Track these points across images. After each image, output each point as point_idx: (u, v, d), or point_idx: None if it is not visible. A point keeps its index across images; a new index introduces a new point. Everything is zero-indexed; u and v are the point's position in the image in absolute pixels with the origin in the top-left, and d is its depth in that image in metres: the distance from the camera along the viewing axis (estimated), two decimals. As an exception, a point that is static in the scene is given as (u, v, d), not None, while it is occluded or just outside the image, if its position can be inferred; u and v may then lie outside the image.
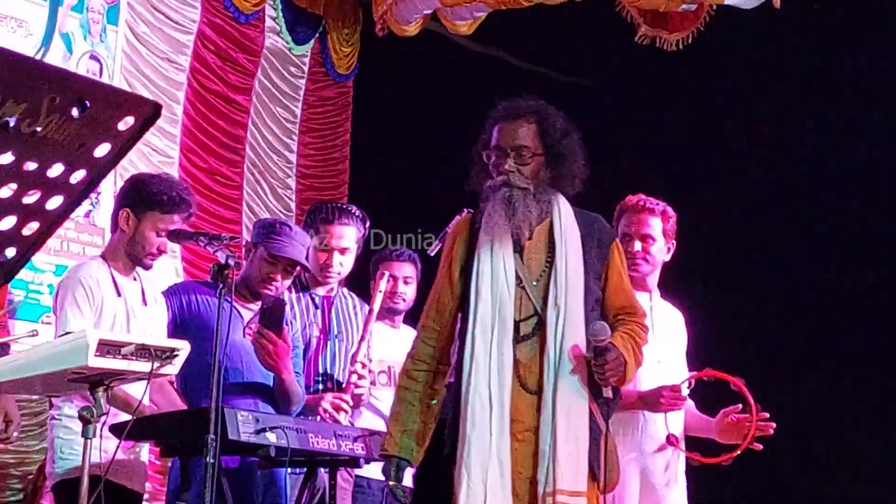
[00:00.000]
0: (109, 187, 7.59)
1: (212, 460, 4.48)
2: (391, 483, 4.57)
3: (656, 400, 5.18)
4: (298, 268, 5.43)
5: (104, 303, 4.99)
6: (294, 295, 5.62)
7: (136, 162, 7.83)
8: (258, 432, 4.75)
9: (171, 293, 5.40)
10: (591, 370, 4.39)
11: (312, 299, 5.67)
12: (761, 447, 5.31)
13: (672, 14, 8.22)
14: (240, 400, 5.14)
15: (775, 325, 8.72)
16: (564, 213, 4.58)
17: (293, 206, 9.65)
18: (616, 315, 4.61)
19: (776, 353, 8.39)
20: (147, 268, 5.17)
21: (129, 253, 5.11)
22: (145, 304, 5.16)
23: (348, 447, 5.05)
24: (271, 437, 4.78)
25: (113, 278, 5.07)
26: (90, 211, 7.44)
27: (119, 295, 5.06)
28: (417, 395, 4.63)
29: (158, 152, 8.24)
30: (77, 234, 7.13)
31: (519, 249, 4.54)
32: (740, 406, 5.29)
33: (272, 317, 5.22)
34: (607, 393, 4.41)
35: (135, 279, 5.17)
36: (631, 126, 9.23)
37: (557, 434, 4.36)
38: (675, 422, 5.32)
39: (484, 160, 4.60)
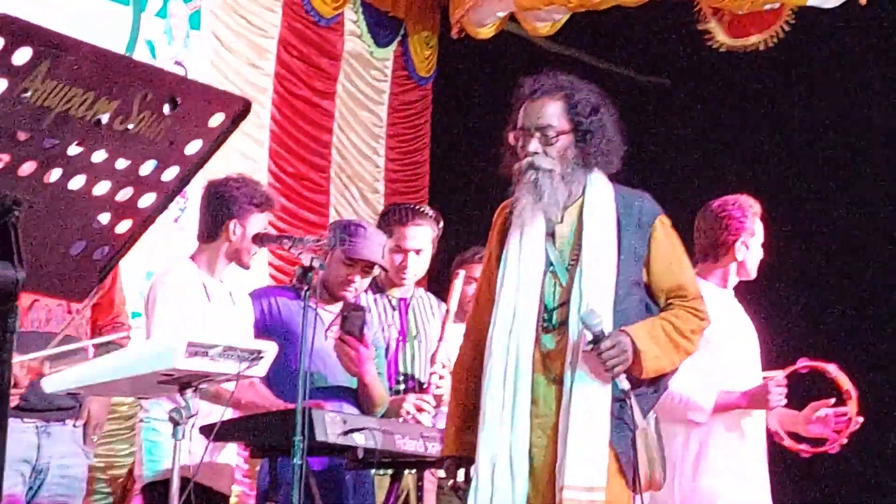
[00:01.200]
0: (198, 191, 7.63)
1: (299, 461, 4.49)
2: (453, 482, 4.42)
3: (764, 396, 5.12)
4: (377, 268, 5.44)
5: (193, 305, 5.03)
6: (371, 297, 5.62)
7: (224, 167, 7.86)
8: (346, 433, 4.76)
9: (252, 298, 5.42)
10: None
11: (389, 301, 5.66)
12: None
13: (752, 16, 8.12)
14: (325, 403, 5.14)
15: (866, 322, 8.61)
16: (597, 193, 4.33)
17: (381, 209, 9.66)
18: (666, 299, 4.35)
19: (864, 348, 8.27)
20: (246, 268, 5.23)
21: (231, 258, 5.19)
22: (234, 304, 5.21)
23: (434, 448, 5.04)
24: (359, 439, 4.79)
25: (202, 282, 5.13)
26: (178, 216, 7.49)
27: (208, 298, 5.11)
28: (462, 386, 4.44)
29: (247, 157, 8.27)
30: (166, 238, 7.17)
31: (551, 234, 4.31)
32: (832, 400, 5.24)
33: (353, 323, 5.22)
34: (623, 384, 4.15)
35: (221, 281, 5.22)
36: (709, 125, 9.16)
37: (571, 426, 4.12)
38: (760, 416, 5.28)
39: (511, 142, 4.37)
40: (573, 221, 4.31)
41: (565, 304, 4.23)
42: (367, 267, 5.39)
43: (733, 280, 5.37)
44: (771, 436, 5.30)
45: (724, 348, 5.20)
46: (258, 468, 5.46)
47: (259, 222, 5.17)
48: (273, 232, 5.08)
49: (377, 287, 5.65)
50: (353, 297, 5.43)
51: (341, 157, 9.33)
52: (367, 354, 5.23)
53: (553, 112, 4.29)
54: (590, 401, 4.14)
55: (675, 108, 9.41)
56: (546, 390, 4.20)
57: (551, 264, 4.27)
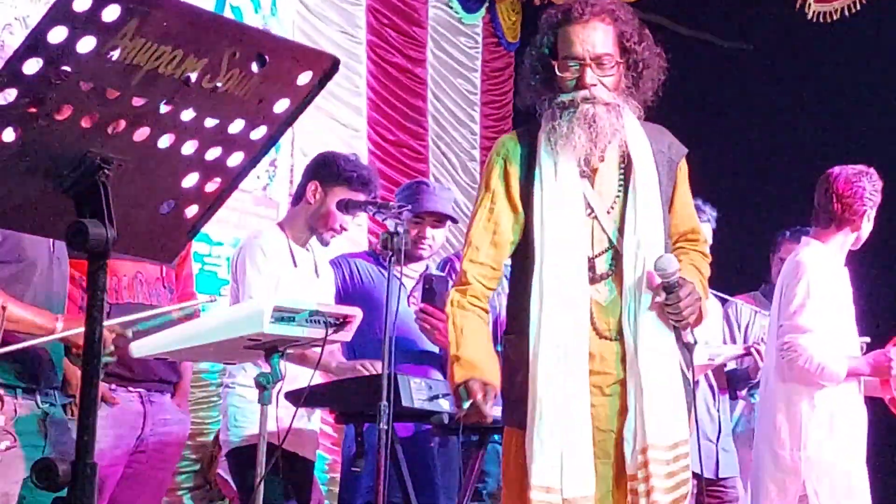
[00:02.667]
0: (286, 161, 7.66)
1: (385, 427, 4.49)
2: (465, 408, 3.81)
3: (886, 366, 5.17)
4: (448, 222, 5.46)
5: (280, 271, 5.05)
6: None
7: (324, 135, 7.89)
8: (431, 399, 4.76)
9: (332, 265, 5.44)
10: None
11: None
12: None
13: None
14: (410, 368, 5.14)
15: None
16: (636, 129, 3.98)
17: (478, 177, 9.63)
18: (676, 242, 4.06)
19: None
20: (325, 244, 5.24)
21: (310, 225, 5.19)
22: (318, 276, 5.22)
23: (521, 414, 5.01)
24: (444, 405, 4.77)
25: (290, 248, 5.14)
26: (267, 185, 7.52)
27: (294, 265, 5.12)
28: (478, 319, 3.97)
29: (346, 126, 8.28)
30: (254, 207, 7.20)
31: (588, 174, 3.94)
32: None
33: (433, 292, 5.22)
34: (686, 337, 3.89)
35: (308, 250, 5.23)
36: (793, 90, 9.05)
37: (643, 383, 3.80)
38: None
39: (555, 71, 3.90)
40: (615, 160, 3.97)
41: (606, 251, 3.92)
42: (435, 221, 5.42)
43: (847, 249, 5.42)
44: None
45: (837, 315, 5.25)
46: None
47: (344, 197, 5.15)
48: (353, 196, 5.05)
49: None
50: (430, 254, 5.45)
51: (438, 125, 9.31)
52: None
53: (607, 39, 3.90)
54: (662, 355, 3.85)
55: (758, 74, 9.29)
56: (599, 346, 3.87)
57: (590, 208, 3.92)
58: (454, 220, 5.58)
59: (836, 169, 5.42)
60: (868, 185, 5.36)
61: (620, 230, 3.90)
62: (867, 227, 5.39)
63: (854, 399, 5.28)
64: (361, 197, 5.09)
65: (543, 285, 3.85)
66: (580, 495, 3.78)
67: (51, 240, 4.14)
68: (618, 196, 3.94)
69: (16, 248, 4.04)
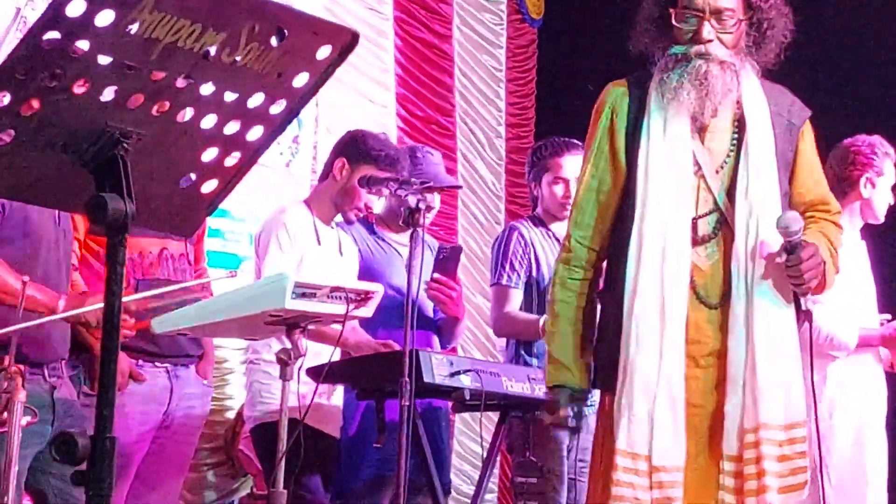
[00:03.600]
0: (310, 137, 7.65)
1: (407, 403, 4.49)
2: (556, 415, 3.93)
3: None
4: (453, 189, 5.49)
5: (304, 249, 5.05)
6: (536, 232, 5.54)
7: (351, 112, 7.88)
8: (452, 375, 4.75)
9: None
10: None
11: (553, 235, 5.56)
12: None
13: None
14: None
15: None
16: (753, 87, 3.81)
17: (503, 154, 9.62)
18: (805, 212, 3.83)
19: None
20: (349, 222, 5.23)
21: (335, 202, 5.18)
22: (341, 254, 5.21)
23: (542, 390, 5.00)
24: (465, 381, 4.77)
25: (314, 226, 5.14)
26: (290, 161, 7.51)
27: (319, 243, 5.12)
28: (574, 307, 3.88)
29: (375, 102, 8.27)
30: (277, 183, 7.20)
31: (699, 131, 3.80)
32: None
33: (448, 263, 5.22)
34: (807, 304, 3.69)
35: (333, 228, 5.23)
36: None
37: (758, 356, 3.61)
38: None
39: (671, 21, 3.76)
40: (728, 118, 3.82)
41: (711, 212, 3.77)
42: (437, 190, 5.41)
43: (858, 219, 5.36)
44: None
45: (850, 288, 5.22)
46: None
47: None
48: (379, 175, 5.03)
49: (539, 221, 5.58)
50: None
51: (465, 101, 9.29)
52: (461, 293, 5.28)
53: None
54: (774, 324, 3.64)
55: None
56: (696, 312, 3.71)
57: (698, 166, 3.77)
58: (440, 189, 5.53)
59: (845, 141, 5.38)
60: (865, 149, 5.30)
61: (729, 193, 3.75)
62: (877, 195, 5.31)
63: (870, 371, 5.25)
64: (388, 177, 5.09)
65: (643, 242, 3.70)
66: (672, 465, 3.64)
67: (56, 214, 4.16)
68: (728, 156, 3.79)
69: (22, 223, 4.06)
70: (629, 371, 3.67)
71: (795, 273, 3.60)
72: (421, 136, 8.57)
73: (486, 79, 9.55)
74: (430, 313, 5.42)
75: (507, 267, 5.40)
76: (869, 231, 5.43)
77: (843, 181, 5.27)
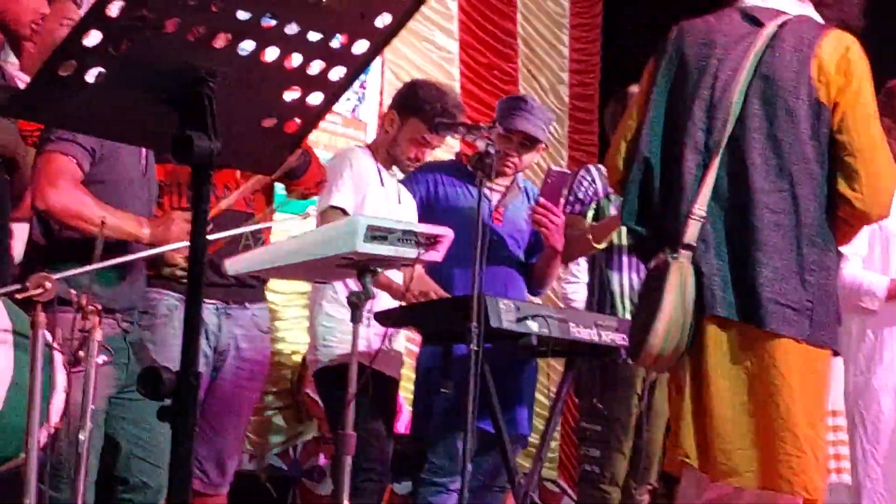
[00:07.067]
0: (376, 82, 7.66)
1: (475, 348, 4.51)
2: None
3: None
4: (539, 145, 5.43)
5: (368, 190, 5.06)
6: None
7: (415, 59, 7.88)
8: (519, 320, 4.76)
9: (415, 180, 5.44)
10: None
11: None
12: None
13: None
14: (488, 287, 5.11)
15: None
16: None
17: (566, 100, 9.58)
18: None
19: None
20: (405, 173, 5.25)
21: (389, 153, 5.19)
22: (399, 202, 5.22)
23: (608, 336, 5.01)
24: (532, 326, 4.78)
25: (378, 169, 5.16)
26: (356, 106, 7.54)
27: (382, 184, 5.13)
28: None
29: (439, 48, 8.27)
30: (343, 128, 7.22)
31: None
32: None
33: (555, 188, 5.20)
34: None
35: (392, 175, 5.25)
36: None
37: None
38: None
39: None
40: None
41: None
42: (524, 140, 5.37)
43: None
44: None
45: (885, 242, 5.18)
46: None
47: (417, 131, 5.15)
48: (447, 120, 5.04)
49: None
50: (512, 173, 5.43)
51: (528, 48, 9.26)
52: (562, 222, 5.23)
53: None
54: None
55: None
56: None
57: None
58: (545, 145, 5.54)
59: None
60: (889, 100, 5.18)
61: None
62: None
63: None
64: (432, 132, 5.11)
65: None
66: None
67: (143, 157, 4.20)
68: None
69: (112, 167, 4.11)
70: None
71: None
72: (483, 83, 8.58)
73: (549, 25, 9.51)
74: (520, 255, 5.41)
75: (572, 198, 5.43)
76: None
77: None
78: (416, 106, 5.13)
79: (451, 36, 8.48)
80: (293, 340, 6.92)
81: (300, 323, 6.85)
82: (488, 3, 8.87)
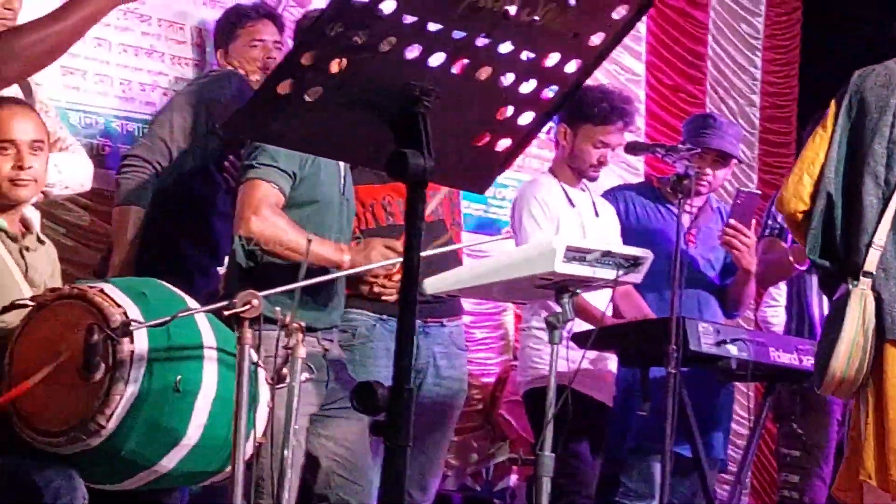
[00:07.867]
0: (563, 104, 7.66)
1: (673, 371, 4.48)
2: None
3: None
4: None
5: (560, 215, 5.06)
6: None
7: (602, 80, 7.86)
8: (719, 344, 4.71)
9: (607, 195, 5.43)
10: None
11: None
12: None
13: None
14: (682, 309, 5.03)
15: None
16: None
17: (757, 123, 9.46)
18: None
19: None
20: (592, 179, 5.25)
21: (571, 167, 5.19)
22: (597, 216, 5.21)
23: (809, 361, 4.92)
24: (732, 350, 4.73)
25: (564, 190, 5.15)
26: (551, 128, 7.56)
27: (572, 205, 5.13)
28: None
29: (625, 70, 8.26)
30: (538, 150, 7.23)
31: None
32: None
33: (745, 209, 5.14)
34: None
35: (583, 190, 5.24)
36: None
37: None
38: None
39: None
40: None
41: None
42: (718, 158, 5.31)
43: None
44: None
45: None
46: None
47: (592, 135, 5.13)
48: (644, 141, 5.02)
49: None
50: (707, 192, 5.37)
51: (717, 70, 9.17)
52: (753, 243, 5.17)
53: None
54: None
55: None
56: None
57: None
58: (739, 160, 5.48)
59: None
60: None
61: None
62: None
63: None
64: (612, 129, 5.10)
65: None
66: None
67: (341, 180, 4.26)
68: None
69: (312, 190, 4.17)
70: None
71: None
72: (668, 104, 8.51)
73: (740, 47, 9.39)
74: (714, 277, 5.37)
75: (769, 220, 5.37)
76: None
77: None
78: (584, 111, 5.12)
79: (638, 58, 8.44)
80: (483, 362, 6.93)
81: (489, 344, 6.87)
82: (678, 26, 8.80)
